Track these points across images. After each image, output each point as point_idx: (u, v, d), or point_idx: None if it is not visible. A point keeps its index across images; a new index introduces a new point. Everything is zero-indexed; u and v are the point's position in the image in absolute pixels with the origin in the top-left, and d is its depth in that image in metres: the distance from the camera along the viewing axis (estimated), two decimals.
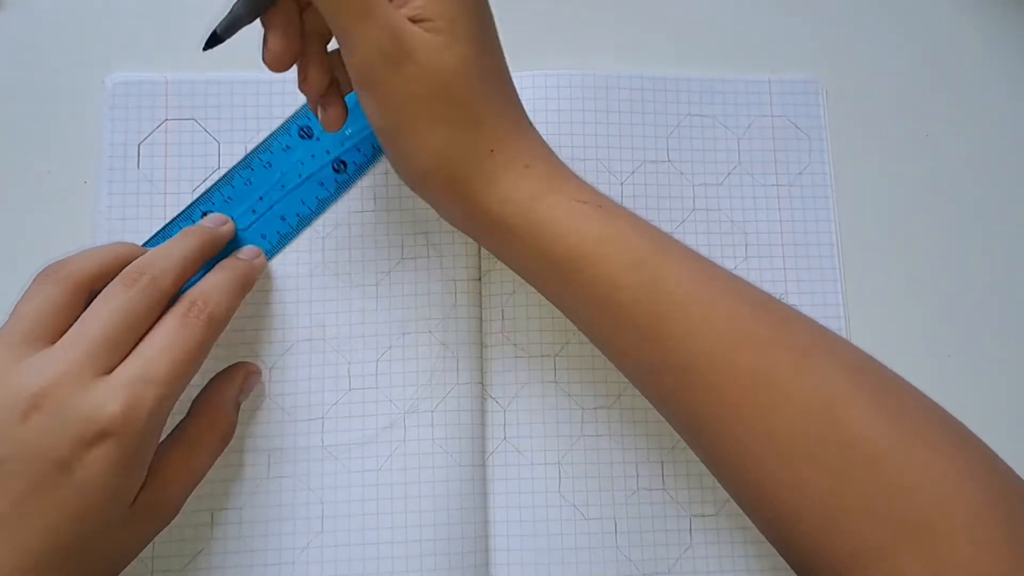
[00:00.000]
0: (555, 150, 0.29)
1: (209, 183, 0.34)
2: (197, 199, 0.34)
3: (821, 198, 0.37)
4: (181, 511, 0.30)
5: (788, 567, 0.27)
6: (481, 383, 0.34)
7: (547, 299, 0.30)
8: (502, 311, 0.34)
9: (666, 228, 0.35)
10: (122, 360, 0.26)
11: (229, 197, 0.33)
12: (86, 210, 0.34)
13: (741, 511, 0.33)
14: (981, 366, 0.36)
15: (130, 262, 0.29)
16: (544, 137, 0.30)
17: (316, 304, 0.34)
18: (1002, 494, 0.23)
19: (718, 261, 0.29)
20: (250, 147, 0.34)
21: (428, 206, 0.30)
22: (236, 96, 0.35)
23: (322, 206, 0.34)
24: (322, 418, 0.33)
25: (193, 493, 0.31)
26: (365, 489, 0.32)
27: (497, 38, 0.28)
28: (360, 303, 0.34)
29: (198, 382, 0.32)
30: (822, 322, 0.27)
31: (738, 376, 0.25)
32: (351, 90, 0.29)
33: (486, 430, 0.33)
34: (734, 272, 0.29)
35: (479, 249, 0.35)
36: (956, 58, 0.39)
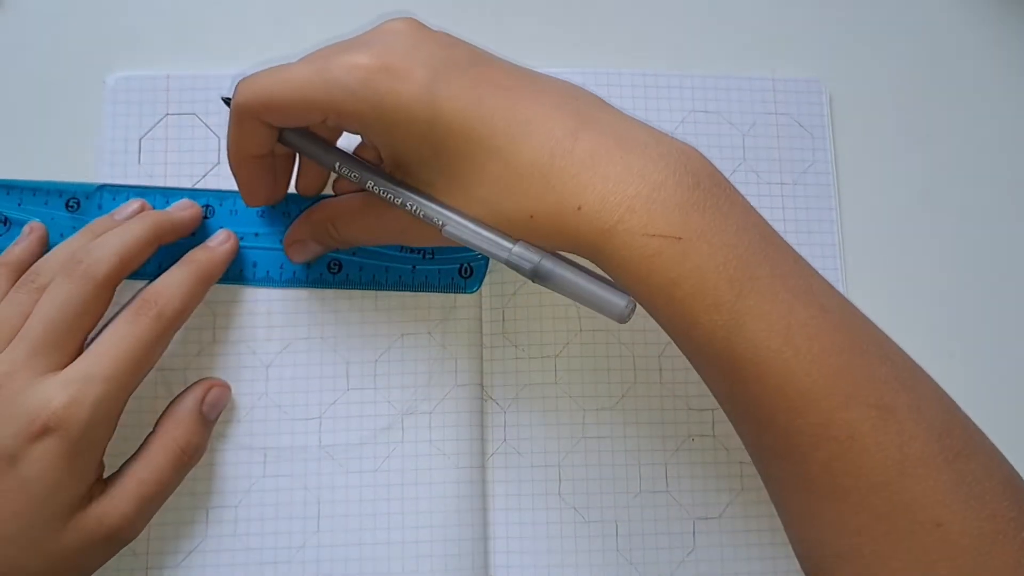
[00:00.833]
0: None
1: (209, 178, 0.34)
2: (209, 191, 0.33)
3: (824, 197, 0.36)
4: (173, 509, 0.30)
5: (791, 570, 0.26)
6: (481, 384, 0.33)
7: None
8: (503, 312, 0.34)
9: None
10: (71, 353, 0.28)
11: (234, 210, 0.33)
12: None
13: (745, 514, 0.33)
14: (984, 366, 0.36)
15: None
16: None
17: (314, 302, 0.33)
18: None
19: None
20: None
21: None
22: None
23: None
24: (319, 418, 0.32)
25: (187, 489, 0.31)
26: (363, 490, 0.32)
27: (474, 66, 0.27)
28: (359, 302, 0.33)
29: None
30: None
31: (812, 430, 0.24)
32: None
33: (486, 432, 0.33)
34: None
35: None
36: (959, 58, 0.39)
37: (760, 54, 0.38)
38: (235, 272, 0.33)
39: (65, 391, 0.26)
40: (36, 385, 0.26)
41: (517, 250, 0.26)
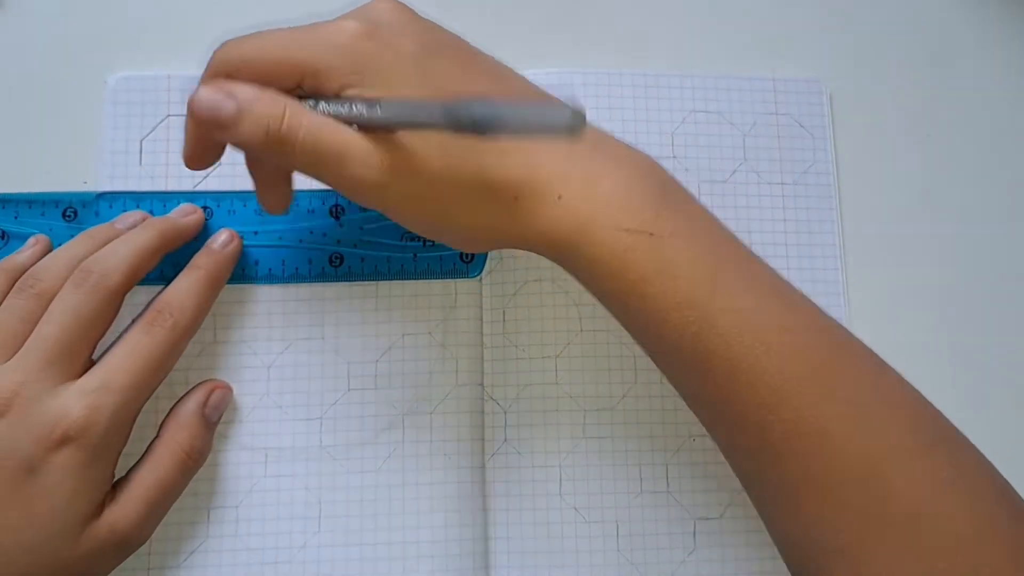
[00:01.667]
0: None
1: (211, 179, 0.34)
2: (207, 193, 0.33)
3: (825, 198, 0.36)
4: (175, 509, 0.30)
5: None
6: (481, 384, 0.33)
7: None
8: (503, 312, 0.34)
9: None
10: (83, 361, 0.28)
11: (232, 210, 0.33)
12: None
13: (746, 514, 0.33)
14: (984, 367, 0.36)
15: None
16: None
17: (315, 303, 0.33)
18: None
19: None
20: None
21: None
22: None
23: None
24: (320, 418, 0.32)
25: (189, 490, 0.31)
26: (364, 490, 0.32)
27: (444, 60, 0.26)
28: (360, 302, 0.33)
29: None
30: None
31: (784, 426, 0.24)
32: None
33: (486, 432, 0.33)
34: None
35: None
36: (959, 58, 0.39)
37: (760, 54, 0.38)
38: (238, 272, 0.33)
39: (83, 401, 0.27)
40: (53, 395, 0.27)
41: (451, 104, 0.23)
